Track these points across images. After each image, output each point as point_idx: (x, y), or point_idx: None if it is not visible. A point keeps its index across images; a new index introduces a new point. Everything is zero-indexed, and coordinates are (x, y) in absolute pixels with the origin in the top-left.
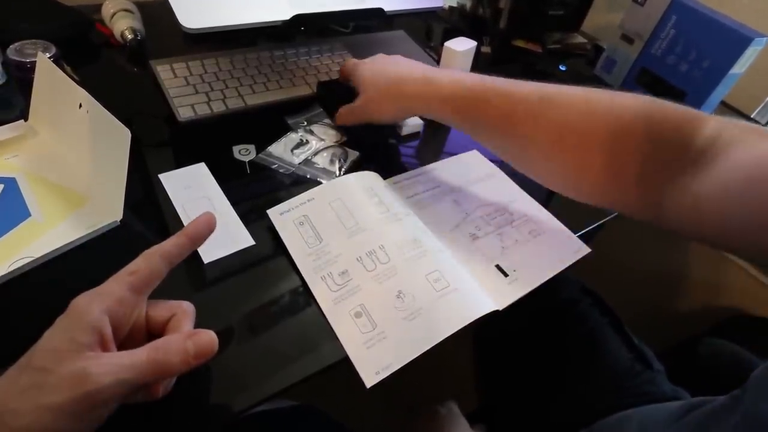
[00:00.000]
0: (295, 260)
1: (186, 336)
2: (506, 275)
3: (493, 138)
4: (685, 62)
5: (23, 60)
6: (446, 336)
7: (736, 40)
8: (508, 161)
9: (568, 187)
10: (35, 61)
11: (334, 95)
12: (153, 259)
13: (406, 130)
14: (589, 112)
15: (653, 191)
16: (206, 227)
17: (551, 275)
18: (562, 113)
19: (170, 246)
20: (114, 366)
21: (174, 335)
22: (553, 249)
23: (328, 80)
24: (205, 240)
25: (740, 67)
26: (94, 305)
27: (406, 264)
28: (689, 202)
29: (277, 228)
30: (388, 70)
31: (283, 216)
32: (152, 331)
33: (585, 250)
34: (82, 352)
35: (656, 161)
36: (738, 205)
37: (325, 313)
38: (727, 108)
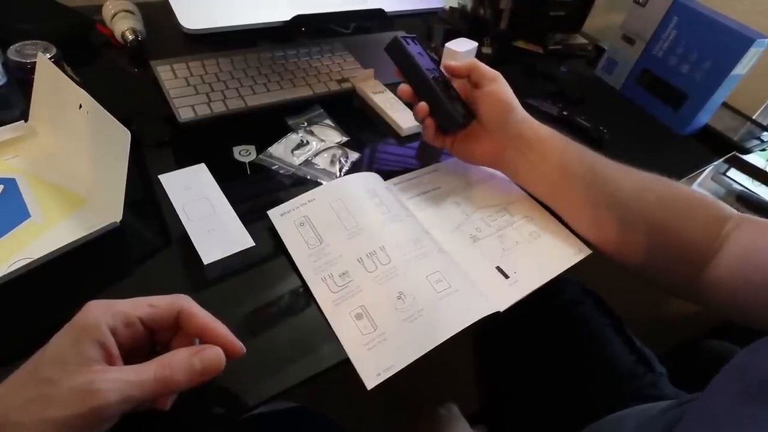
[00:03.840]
0: (295, 261)
1: (193, 352)
2: (507, 277)
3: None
4: (686, 63)
5: (24, 61)
6: (447, 337)
7: (737, 41)
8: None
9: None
10: (35, 62)
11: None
12: (172, 312)
13: (406, 131)
14: (663, 201)
15: (691, 282)
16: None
17: (552, 277)
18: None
19: (192, 329)
20: (121, 382)
21: (181, 350)
22: (554, 250)
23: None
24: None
25: (742, 69)
26: (103, 322)
27: (406, 265)
28: (719, 286)
29: (278, 229)
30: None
31: (283, 217)
32: (158, 329)
33: (586, 251)
34: (90, 366)
35: (687, 264)
36: (738, 289)
37: (325, 314)
38: (728, 109)
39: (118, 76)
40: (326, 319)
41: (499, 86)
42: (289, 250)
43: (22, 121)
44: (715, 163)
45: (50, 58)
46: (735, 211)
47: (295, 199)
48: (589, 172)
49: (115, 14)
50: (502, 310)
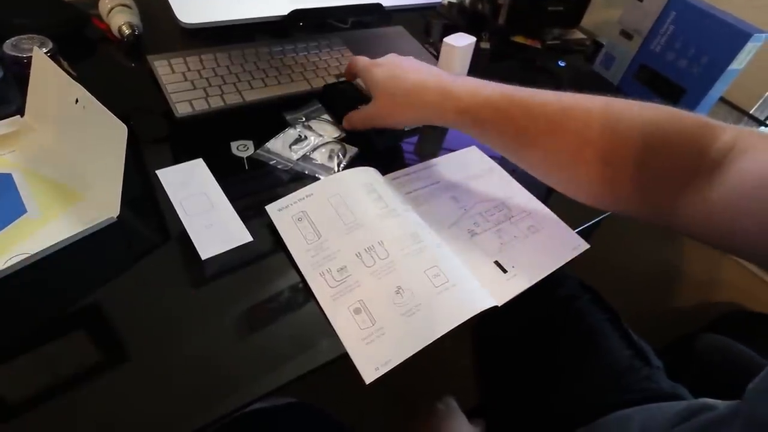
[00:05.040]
0: (293, 256)
1: None
2: (505, 271)
3: (512, 149)
4: (684, 58)
5: (19, 55)
6: (445, 332)
7: (735, 36)
8: (528, 171)
9: (588, 198)
10: (31, 56)
11: (342, 98)
12: None
13: (409, 126)
14: (610, 125)
15: (670, 200)
16: None
17: (550, 271)
18: (581, 126)
19: None
20: None
21: None
22: (552, 245)
23: (335, 82)
24: None
25: (739, 63)
26: None
27: (405, 260)
28: (702, 208)
29: (276, 224)
30: (407, 77)
31: (281, 212)
32: None
33: (584, 246)
34: None
35: (674, 172)
36: (745, 211)
37: (323, 309)
38: (726, 104)
39: (114, 71)
40: (324, 314)
41: (363, 79)
42: (287, 245)
43: (18, 116)
44: None
45: (46, 53)
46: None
47: (293, 194)
48: (505, 99)
49: (111, 8)
50: (500, 304)
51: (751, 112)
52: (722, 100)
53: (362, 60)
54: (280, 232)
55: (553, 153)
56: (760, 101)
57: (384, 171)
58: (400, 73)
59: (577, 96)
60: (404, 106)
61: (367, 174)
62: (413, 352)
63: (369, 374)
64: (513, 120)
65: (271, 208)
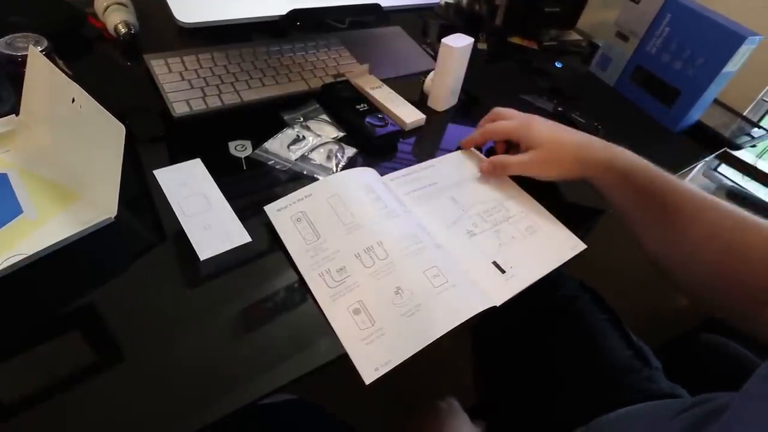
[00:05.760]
0: (292, 256)
1: None
2: (503, 272)
3: (653, 221)
4: (679, 60)
5: (14, 53)
6: (445, 332)
7: (729, 39)
8: (653, 245)
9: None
10: (26, 55)
11: (340, 98)
12: None
13: (410, 125)
14: (739, 224)
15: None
16: None
17: (548, 271)
18: (719, 217)
19: None
20: None
21: None
22: (550, 245)
23: (333, 82)
24: None
25: (733, 66)
26: None
27: (404, 260)
28: None
29: (274, 224)
30: (567, 132)
31: (280, 212)
32: None
33: (581, 246)
34: None
35: None
36: None
37: (323, 309)
38: (720, 106)
39: (111, 70)
40: (324, 315)
41: (522, 135)
42: (286, 246)
43: (14, 115)
44: (707, 159)
45: (42, 51)
46: None
47: (292, 194)
48: (649, 183)
49: (107, 7)
50: (498, 304)
51: (744, 114)
52: (716, 101)
53: (506, 123)
54: (278, 232)
55: (685, 235)
56: (753, 103)
57: (382, 171)
58: (561, 128)
59: (713, 197)
60: (565, 159)
61: (366, 174)
62: (413, 353)
63: (369, 375)
64: (664, 196)
65: (270, 209)
